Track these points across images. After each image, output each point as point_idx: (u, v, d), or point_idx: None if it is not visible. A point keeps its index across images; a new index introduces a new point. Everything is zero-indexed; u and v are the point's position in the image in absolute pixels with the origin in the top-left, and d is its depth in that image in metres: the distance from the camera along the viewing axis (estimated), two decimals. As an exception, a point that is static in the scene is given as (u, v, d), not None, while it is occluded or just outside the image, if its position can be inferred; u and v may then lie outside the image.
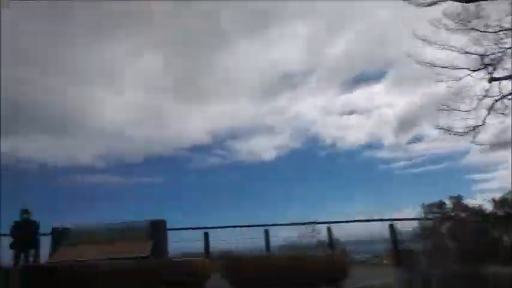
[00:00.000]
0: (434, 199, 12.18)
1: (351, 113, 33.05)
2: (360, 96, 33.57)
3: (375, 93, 32.76)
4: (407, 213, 12.53)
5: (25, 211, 8.64)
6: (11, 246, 8.43)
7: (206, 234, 10.07)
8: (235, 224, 10.43)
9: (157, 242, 9.16)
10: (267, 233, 10.17)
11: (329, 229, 10.17)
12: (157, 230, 9.33)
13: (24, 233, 8.48)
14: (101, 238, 9.33)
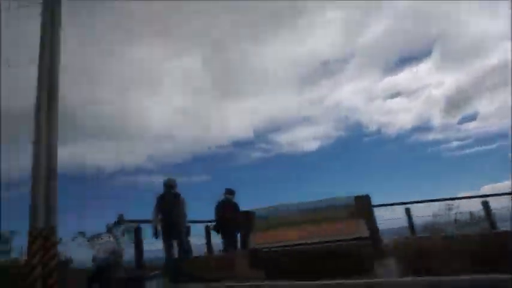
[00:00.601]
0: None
1: (395, 95, 29.84)
2: (404, 77, 30.15)
3: (421, 73, 29.12)
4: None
5: (229, 191, 7.87)
6: (215, 228, 7.72)
7: (408, 210, 8.73)
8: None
9: (368, 220, 8.05)
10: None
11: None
12: (365, 206, 8.18)
13: (228, 214, 7.71)
14: (297, 218, 8.41)
